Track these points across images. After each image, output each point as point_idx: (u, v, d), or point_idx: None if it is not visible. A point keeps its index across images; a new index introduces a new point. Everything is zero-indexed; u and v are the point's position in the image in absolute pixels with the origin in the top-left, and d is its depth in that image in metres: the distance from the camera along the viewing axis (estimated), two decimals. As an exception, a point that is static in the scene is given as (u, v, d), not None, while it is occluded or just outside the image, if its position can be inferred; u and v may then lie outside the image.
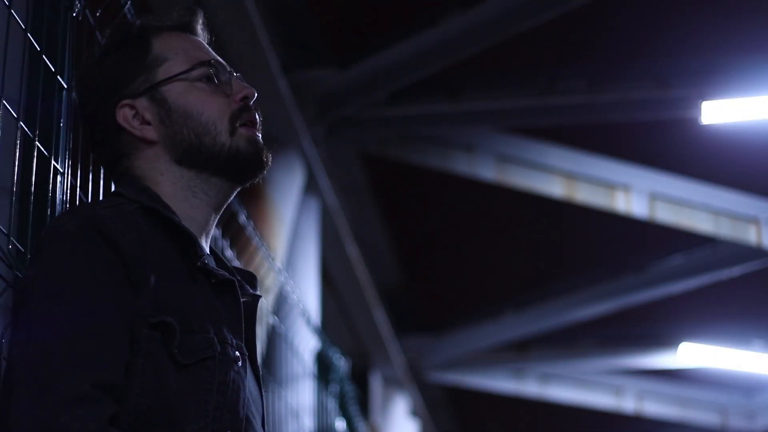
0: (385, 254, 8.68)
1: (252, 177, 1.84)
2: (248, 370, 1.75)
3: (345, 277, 7.55)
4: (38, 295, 1.61)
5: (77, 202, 2.06)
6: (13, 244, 1.82)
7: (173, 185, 1.79)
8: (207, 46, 1.90)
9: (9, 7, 1.87)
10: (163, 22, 1.88)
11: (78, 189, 2.08)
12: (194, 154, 1.79)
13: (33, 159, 1.91)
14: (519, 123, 6.87)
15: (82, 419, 1.51)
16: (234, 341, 1.71)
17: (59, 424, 1.49)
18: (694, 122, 6.34)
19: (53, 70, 1.99)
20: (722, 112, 6.15)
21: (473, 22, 5.76)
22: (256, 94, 1.86)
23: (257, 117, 1.84)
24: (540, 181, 7.16)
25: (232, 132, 1.80)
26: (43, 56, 1.97)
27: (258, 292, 1.86)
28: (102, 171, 2.18)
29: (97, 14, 2.18)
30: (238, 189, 1.86)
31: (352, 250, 7.29)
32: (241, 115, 1.81)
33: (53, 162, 1.95)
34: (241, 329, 1.75)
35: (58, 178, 1.96)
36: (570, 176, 7.21)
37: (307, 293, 6.00)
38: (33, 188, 1.89)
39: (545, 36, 6.27)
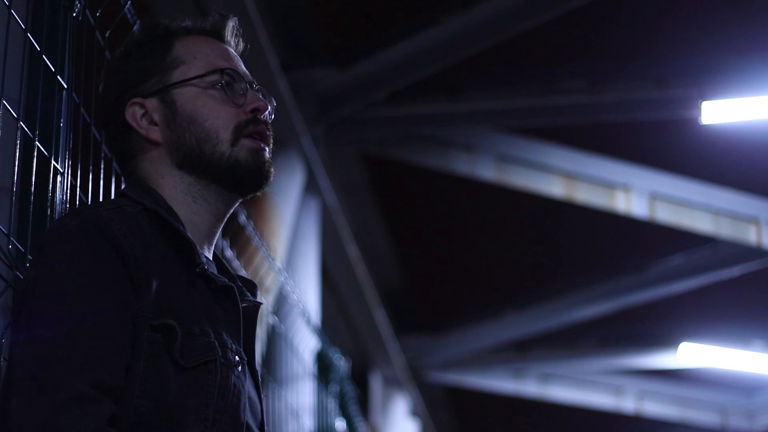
0: (385, 254, 8.68)
1: (250, 190, 1.82)
2: (247, 374, 1.75)
3: (345, 277, 7.55)
4: (39, 295, 1.61)
5: (77, 202, 2.06)
6: (13, 244, 1.82)
7: (174, 189, 1.79)
8: (234, 54, 1.89)
9: (9, 7, 1.87)
10: (193, 26, 1.87)
11: (78, 189, 2.08)
12: (194, 160, 1.79)
13: (33, 159, 1.90)
14: (519, 123, 6.87)
15: (81, 420, 1.51)
16: (234, 346, 1.71)
17: (58, 425, 1.50)
18: (694, 122, 6.34)
19: (53, 70, 1.99)
20: (722, 112, 6.15)
21: (473, 22, 5.76)
22: (269, 108, 1.84)
23: (267, 131, 1.83)
24: (540, 181, 7.16)
25: (234, 142, 1.79)
26: (43, 56, 1.97)
27: (259, 300, 1.86)
28: (102, 171, 2.18)
29: (97, 14, 2.18)
30: (240, 199, 1.85)
31: (352, 250, 7.29)
32: (247, 127, 1.80)
33: (53, 162, 1.95)
34: (240, 334, 1.75)
35: (58, 178, 1.96)
36: (570, 176, 7.21)
37: (307, 293, 5.99)
38: (33, 188, 1.89)
39: (545, 36, 6.27)
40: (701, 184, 7.51)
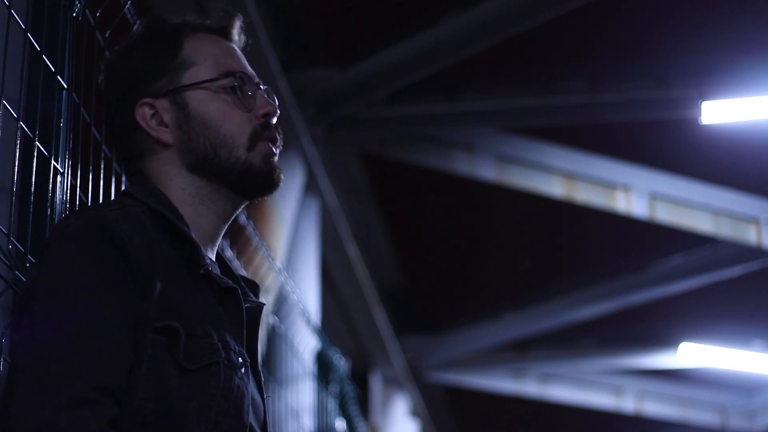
0: (385, 254, 8.68)
1: (261, 194, 1.83)
2: (250, 376, 1.74)
3: (345, 277, 7.54)
4: (42, 296, 1.61)
5: (77, 202, 2.06)
6: (13, 244, 1.81)
7: (182, 191, 1.79)
8: (240, 53, 1.88)
9: (9, 7, 1.87)
10: (200, 23, 1.86)
11: (78, 189, 2.07)
12: (207, 164, 1.79)
13: (33, 159, 1.90)
14: (519, 123, 6.87)
15: (82, 421, 1.51)
16: (236, 347, 1.71)
17: (59, 427, 1.50)
18: (694, 122, 6.34)
19: (53, 70, 1.99)
20: (722, 112, 6.16)
21: (473, 22, 5.76)
22: (278, 112, 1.84)
23: (278, 135, 1.83)
24: (540, 181, 7.16)
25: (250, 147, 1.79)
26: (43, 56, 1.97)
27: (261, 301, 1.86)
28: (102, 171, 2.18)
29: (97, 14, 2.18)
30: (247, 202, 1.85)
31: (352, 250, 7.29)
32: (262, 133, 1.81)
33: (53, 162, 1.95)
34: (243, 336, 1.74)
35: (58, 178, 1.96)
36: (570, 176, 7.21)
37: (307, 293, 5.99)
38: (33, 188, 1.89)
39: (545, 36, 6.27)
40: (701, 184, 7.51)
